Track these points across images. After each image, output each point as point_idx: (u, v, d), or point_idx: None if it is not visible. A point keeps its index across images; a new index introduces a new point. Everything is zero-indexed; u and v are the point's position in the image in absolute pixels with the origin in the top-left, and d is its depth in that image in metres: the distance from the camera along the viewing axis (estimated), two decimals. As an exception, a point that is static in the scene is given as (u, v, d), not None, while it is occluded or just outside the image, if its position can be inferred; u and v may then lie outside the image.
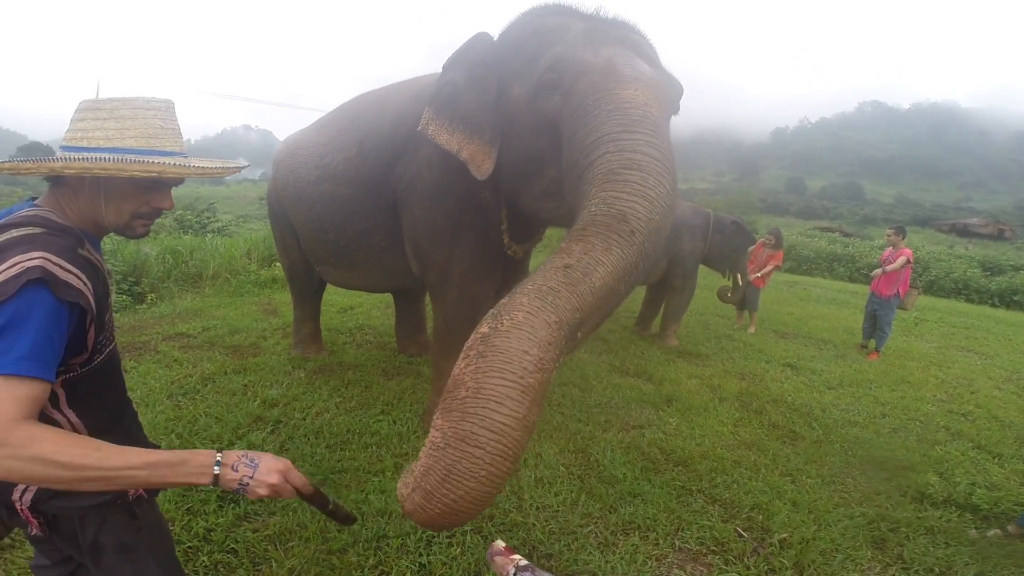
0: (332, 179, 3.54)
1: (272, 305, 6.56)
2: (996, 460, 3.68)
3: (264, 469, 1.04)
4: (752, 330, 6.86)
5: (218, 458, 1.00)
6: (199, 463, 0.99)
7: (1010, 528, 2.75)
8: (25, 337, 0.92)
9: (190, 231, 11.75)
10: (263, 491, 1.03)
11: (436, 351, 3.32)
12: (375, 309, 6.39)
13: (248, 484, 1.02)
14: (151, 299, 6.51)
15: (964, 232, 51.89)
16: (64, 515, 1.15)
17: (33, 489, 1.09)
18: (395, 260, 3.46)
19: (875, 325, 6.48)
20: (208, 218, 14.21)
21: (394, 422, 3.41)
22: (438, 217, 3.08)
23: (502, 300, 1.56)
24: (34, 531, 1.14)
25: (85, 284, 1.03)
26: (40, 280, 0.95)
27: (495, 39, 2.76)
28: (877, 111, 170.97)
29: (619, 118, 1.97)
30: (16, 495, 1.10)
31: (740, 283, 6.55)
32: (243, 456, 1.03)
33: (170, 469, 0.97)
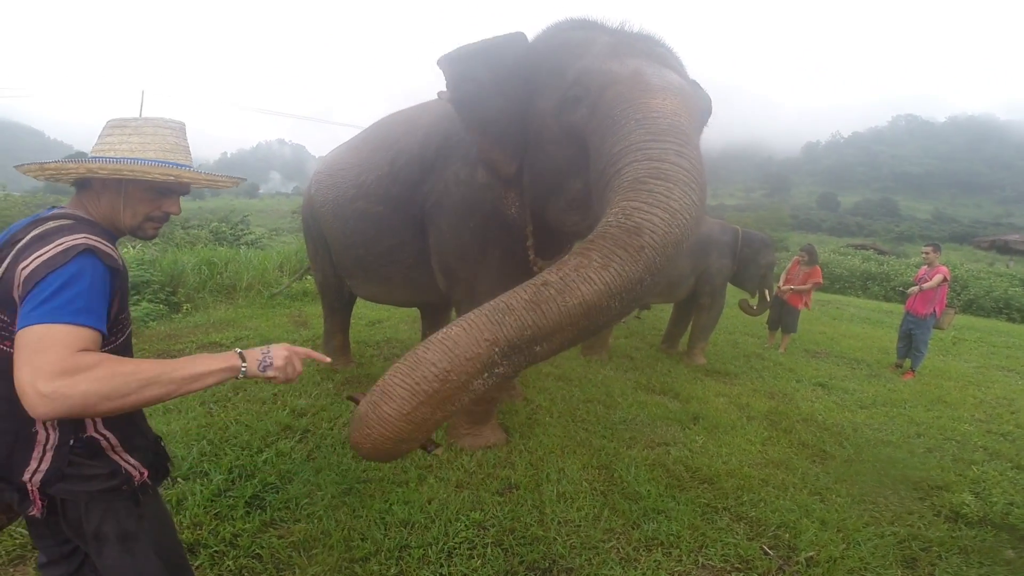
0: (366, 197, 3.60)
1: (303, 317, 6.68)
2: None
3: (275, 352, 1.24)
4: (783, 351, 6.74)
5: (239, 351, 1.22)
6: (227, 355, 1.20)
7: None
8: (82, 294, 1.09)
9: (225, 243, 12.05)
10: (279, 362, 1.23)
11: None
12: (402, 323, 6.45)
13: (267, 359, 1.23)
14: (186, 309, 6.67)
15: (1005, 249, 50.21)
16: (71, 500, 1.24)
17: (43, 470, 1.20)
18: (423, 276, 3.50)
19: (910, 345, 6.31)
20: (242, 230, 14.57)
21: (419, 436, 3.43)
22: (465, 234, 3.10)
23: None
24: (34, 511, 1.22)
25: (120, 259, 1.23)
26: (89, 249, 1.13)
27: (529, 45, 2.68)
28: (912, 125, 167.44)
29: (648, 126, 1.94)
30: (27, 475, 1.20)
31: (768, 299, 6.45)
32: (259, 349, 1.24)
33: (209, 361, 1.17)
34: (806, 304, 7.03)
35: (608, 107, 2.12)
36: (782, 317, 6.89)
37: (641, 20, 2.58)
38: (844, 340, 7.99)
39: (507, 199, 2.88)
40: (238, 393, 3.97)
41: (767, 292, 6.39)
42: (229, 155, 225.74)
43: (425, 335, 4.94)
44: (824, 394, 5.13)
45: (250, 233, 15.10)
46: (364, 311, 6.57)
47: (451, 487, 2.86)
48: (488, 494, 2.81)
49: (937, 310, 6.20)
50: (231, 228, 14.16)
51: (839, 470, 3.44)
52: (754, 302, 6.56)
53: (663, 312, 7.16)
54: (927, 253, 6.43)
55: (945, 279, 6.11)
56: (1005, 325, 13.43)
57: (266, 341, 5.32)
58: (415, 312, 5.85)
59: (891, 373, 6.23)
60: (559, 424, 3.71)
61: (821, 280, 7.15)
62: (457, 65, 2.67)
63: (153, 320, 6.06)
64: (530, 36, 2.70)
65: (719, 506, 2.89)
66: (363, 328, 6.16)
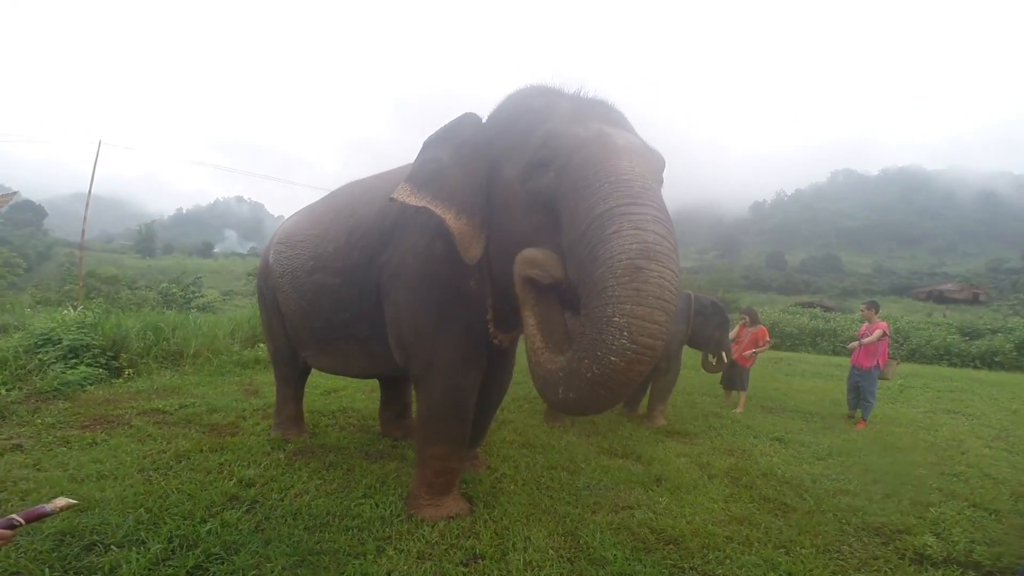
0: (324, 269, 3.57)
1: (253, 386, 6.46)
2: (993, 516, 3.65)
3: None
4: (740, 410, 6.84)
5: None
6: None
7: None
8: None
9: (174, 306, 11.69)
10: None
11: (420, 437, 3.24)
12: (360, 392, 6.29)
13: None
14: (128, 374, 6.43)
15: (940, 299, 53.01)
16: None
17: None
18: (379, 348, 3.43)
19: (859, 396, 6.52)
20: (194, 293, 14.19)
21: (377, 505, 3.30)
22: (421, 308, 3.05)
23: None
24: None
25: None
26: None
27: (483, 121, 2.79)
28: (849, 179, 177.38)
29: (623, 190, 2.04)
30: None
31: (725, 360, 6.63)
32: None
33: None
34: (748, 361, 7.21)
35: (578, 170, 2.19)
36: (733, 377, 7.05)
37: (595, 86, 2.71)
38: (797, 395, 8.17)
39: (466, 272, 2.86)
40: (180, 462, 3.81)
41: (724, 354, 6.56)
42: (184, 211, 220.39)
43: (384, 404, 4.84)
44: (782, 448, 5.19)
45: (202, 296, 14.72)
46: (319, 380, 6.40)
47: (412, 559, 2.74)
48: (452, 565, 2.70)
49: (880, 362, 6.48)
50: (182, 290, 13.77)
51: (801, 522, 3.44)
52: (714, 359, 6.70)
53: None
54: (864, 311, 6.81)
55: (884, 334, 6.42)
56: (947, 370, 13.98)
57: (213, 409, 5.25)
58: (373, 381, 5.74)
59: (844, 424, 6.37)
60: (524, 492, 3.63)
61: (768, 339, 7.37)
62: (422, 153, 2.79)
63: (91, 384, 5.81)
64: (488, 109, 2.81)
65: (686, 566, 2.84)
66: (317, 397, 5.98)
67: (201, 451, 4.03)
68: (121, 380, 6.22)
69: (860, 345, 6.47)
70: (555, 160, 2.30)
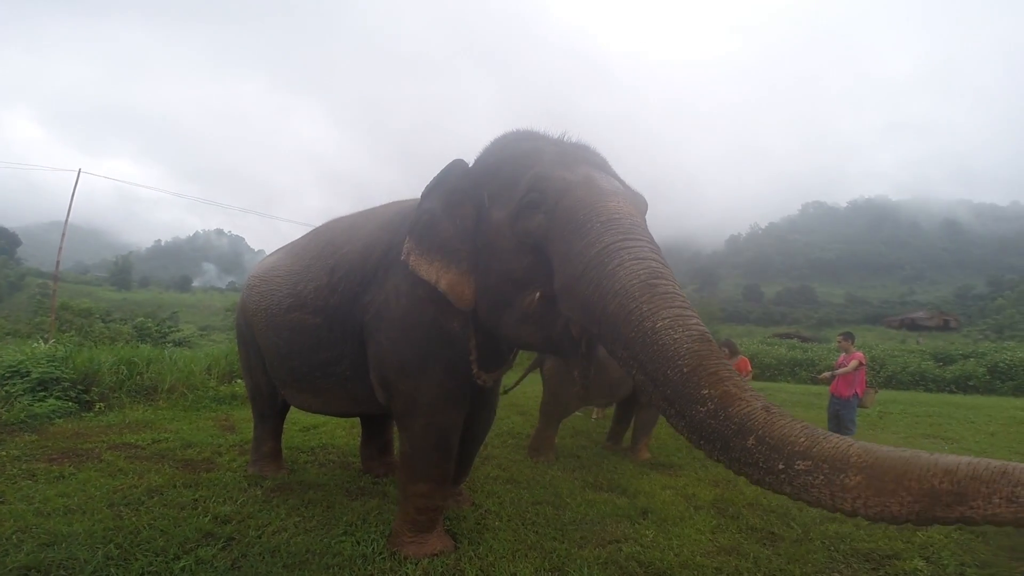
0: (302, 307, 3.51)
1: (230, 421, 6.33)
2: (980, 539, 3.64)
3: None
4: None
5: None
6: None
7: None
8: None
9: (149, 340, 11.44)
10: None
11: (403, 475, 3.18)
12: (340, 428, 6.17)
13: None
14: (99, 408, 6.29)
15: (913, 326, 54.22)
16: None
17: None
18: (361, 388, 3.38)
19: (840, 424, 6.54)
20: (170, 327, 13.92)
21: (358, 543, 3.21)
22: (405, 349, 3.03)
23: None
24: None
25: None
26: None
27: (470, 166, 2.85)
28: (819, 211, 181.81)
29: (615, 227, 2.13)
30: None
31: None
32: None
33: None
34: None
35: (568, 212, 2.28)
36: None
37: (577, 131, 2.82)
38: (780, 422, 8.17)
39: (450, 312, 2.87)
40: (152, 497, 3.71)
41: None
42: (163, 243, 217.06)
43: (365, 441, 4.75)
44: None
45: (178, 331, 14.44)
46: (298, 416, 6.23)
47: (395, 600, 2.65)
48: (436, 605, 2.62)
49: (859, 391, 6.50)
50: (157, 325, 13.50)
51: (790, 551, 3.42)
52: None
53: (609, 411, 7.18)
54: (841, 342, 6.91)
55: (861, 363, 6.46)
56: (924, 396, 14.17)
57: (188, 444, 5.14)
58: (353, 419, 5.66)
59: None
60: (509, 528, 3.56)
61: (749, 368, 7.42)
62: (420, 203, 2.84)
63: (60, 417, 5.69)
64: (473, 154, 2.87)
65: (675, 601, 2.79)
66: (296, 434, 5.86)
67: (174, 486, 3.93)
68: (92, 414, 6.09)
69: (834, 376, 6.52)
70: (544, 202, 2.38)
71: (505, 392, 4.83)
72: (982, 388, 15.72)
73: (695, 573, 3.05)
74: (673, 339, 1.86)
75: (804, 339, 31.78)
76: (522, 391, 8.89)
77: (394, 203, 3.63)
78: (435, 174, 2.88)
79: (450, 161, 2.89)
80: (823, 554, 3.39)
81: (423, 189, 2.88)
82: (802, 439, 1.64)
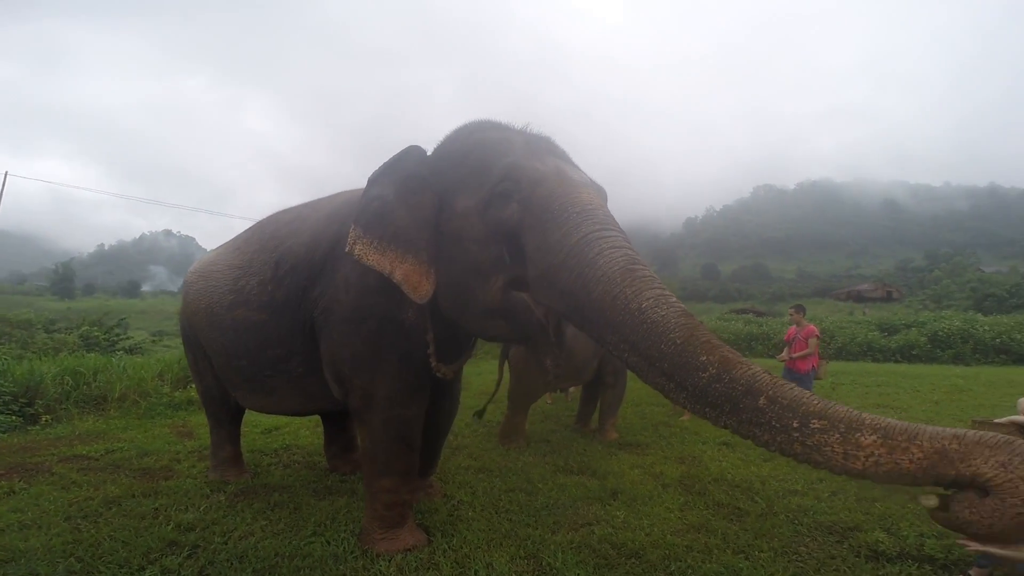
0: (246, 304, 3.39)
1: (187, 427, 6.13)
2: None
3: None
4: (687, 418, 6.96)
5: None
6: None
7: (972, 573, 2.80)
8: None
9: (97, 349, 10.95)
10: None
11: (367, 471, 3.12)
12: (303, 428, 6.03)
13: None
14: (46, 420, 6.03)
15: (859, 298, 56.53)
16: None
17: None
18: (315, 385, 3.30)
19: None
20: (118, 335, 13.34)
21: (328, 543, 3.15)
22: (357, 342, 2.96)
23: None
24: None
25: None
26: None
27: (428, 153, 2.78)
28: (770, 194, 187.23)
29: (591, 218, 2.22)
30: None
31: None
32: None
33: None
34: None
35: (543, 202, 2.32)
36: None
37: (538, 122, 2.82)
38: (739, 397, 8.37)
39: (403, 303, 2.81)
40: (111, 508, 3.58)
41: None
42: (107, 247, 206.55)
43: (328, 440, 4.65)
44: (729, 452, 5.28)
45: (128, 338, 13.86)
46: (258, 418, 6.10)
47: (370, 598, 2.61)
48: (412, 601, 2.59)
49: (814, 364, 6.70)
50: (105, 332, 12.93)
51: (756, 525, 3.49)
52: None
53: (576, 392, 7.23)
54: (792, 314, 7.07)
55: (818, 338, 6.65)
56: (872, 366, 14.74)
57: (144, 453, 4.96)
58: (316, 416, 5.56)
59: None
60: (482, 517, 3.54)
61: None
62: (367, 190, 2.75)
63: (3, 432, 5.44)
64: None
65: (649, 580, 2.82)
66: (258, 436, 5.71)
67: (133, 496, 3.81)
68: (38, 427, 5.85)
69: (791, 359, 6.63)
70: (517, 192, 2.38)
71: (478, 416, 4.82)
72: (924, 357, 16.45)
73: (666, 552, 3.09)
74: (661, 315, 1.95)
75: (759, 313, 32.76)
76: (490, 379, 8.88)
77: (340, 193, 3.53)
78: (385, 160, 2.80)
79: (405, 147, 2.81)
80: (788, 528, 3.47)
81: (370, 175, 2.78)
82: (815, 401, 1.74)
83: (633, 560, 3.02)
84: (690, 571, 2.89)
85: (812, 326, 6.77)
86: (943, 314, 22.07)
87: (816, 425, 1.67)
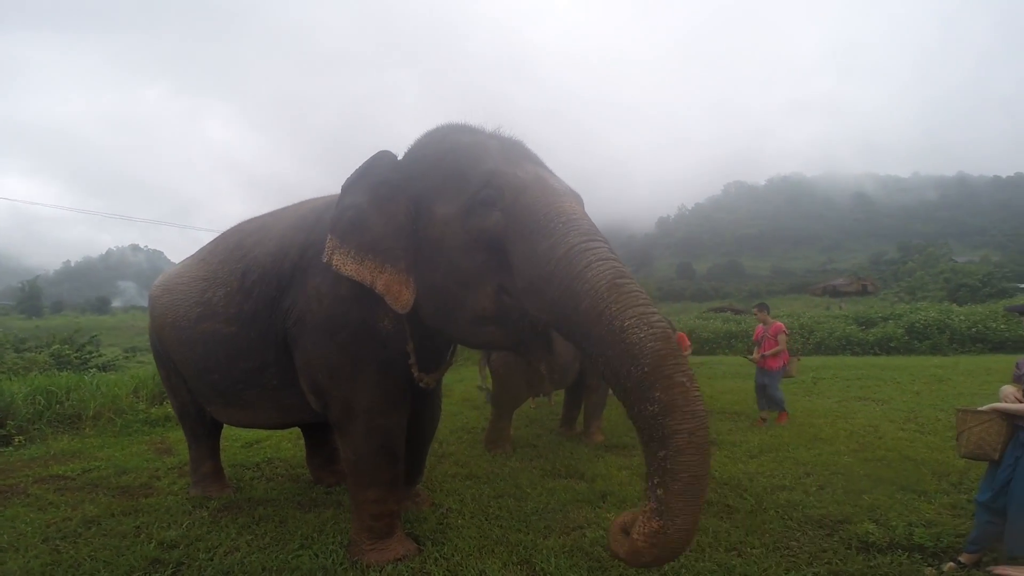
0: (214, 316, 3.31)
1: (165, 444, 6.01)
2: (922, 498, 3.82)
3: None
4: None
5: None
6: None
7: (962, 559, 2.83)
8: None
9: (69, 367, 10.67)
10: None
11: (352, 483, 3.06)
12: (284, 441, 5.92)
13: None
14: (19, 441, 5.87)
15: (834, 293, 57.51)
16: None
17: None
18: (291, 397, 3.23)
19: (767, 395, 6.58)
20: (90, 352, 13.02)
21: (317, 555, 3.09)
22: (333, 351, 2.90)
23: None
24: None
25: None
26: None
27: (399, 158, 2.73)
28: (741, 190, 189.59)
29: (576, 229, 2.23)
30: None
31: None
32: None
33: None
34: None
35: (527, 210, 2.32)
36: None
37: (508, 125, 2.79)
38: (722, 396, 8.42)
39: (379, 311, 2.77)
40: (90, 528, 3.50)
41: None
42: (73, 264, 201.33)
43: (310, 452, 4.56)
44: (716, 450, 5.29)
45: (100, 355, 13.54)
46: (237, 432, 5.96)
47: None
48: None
49: (785, 361, 6.70)
50: (76, 350, 12.62)
51: (746, 522, 3.50)
52: None
53: (557, 396, 7.20)
54: (757, 313, 7.08)
55: (786, 334, 6.64)
56: (851, 360, 14.95)
57: (122, 471, 4.84)
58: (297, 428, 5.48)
59: (769, 421, 6.53)
60: (472, 524, 3.50)
61: (688, 343, 7.56)
62: (341, 199, 2.70)
63: None
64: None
65: (644, 582, 2.80)
66: (238, 450, 5.61)
67: (113, 515, 3.73)
68: (11, 448, 5.71)
69: (762, 358, 6.65)
70: (500, 199, 2.37)
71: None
72: (902, 348, 16.71)
73: (660, 551, 3.07)
74: (639, 338, 1.98)
75: (737, 311, 33.04)
76: (471, 385, 8.83)
77: (307, 201, 3.47)
78: (357, 167, 2.75)
79: (375, 152, 2.77)
80: (778, 523, 3.48)
81: (343, 183, 2.74)
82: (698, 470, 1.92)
83: (626, 562, 3.00)
84: (684, 570, 2.88)
85: (779, 323, 6.76)
86: (918, 306, 22.45)
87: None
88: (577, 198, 2.51)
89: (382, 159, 2.75)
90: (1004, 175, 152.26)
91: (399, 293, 2.53)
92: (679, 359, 2.00)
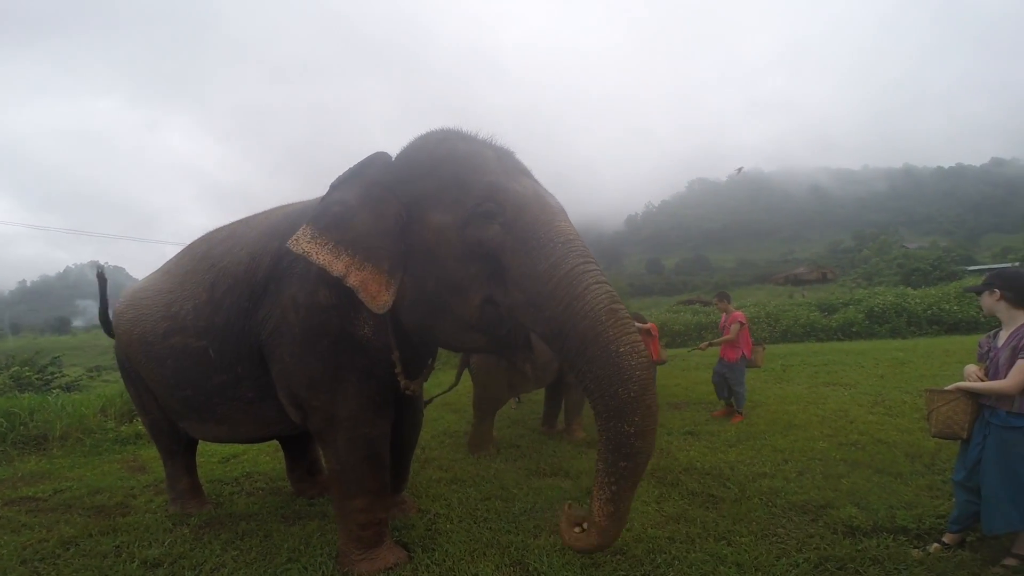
0: (183, 331, 3.22)
1: (139, 462, 5.83)
2: (899, 480, 3.92)
3: None
4: None
5: None
6: None
7: (946, 539, 2.90)
8: None
9: (30, 389, 10.28)
10: None
11: (337, 493, 3.01)
12: (262, 454, 5.78)
13: None
14: None
15: (797, 282, 58.96)
16: None
17: None
18: (269, 410, 3.18)
19: (727, 387, 6.52)
20: (52, 373, 12.57)
21: (305, 568, 3.05)
22: (312, 361, 2.84)
23: None
24: None
25: None
26: None
27: (393, 161, 2.72)
28: (704, 187, 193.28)
29: (575, 250, 2.34)
30: None
31: None
32: None
33: None
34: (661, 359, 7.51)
35: (528, 229, 2.39)
36: None
37: (479, 125, 2.82)
38: (697, 387, 8.52)
39: (359, 319, 2.75)
40: (68, 549, 3.42)
41: None
42: (29, 283, 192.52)
43: (290, 464, 4.47)
44: (695, 441, 5.39)
45: (63, 375, 13.08)
46: (213, 447, 5.84)
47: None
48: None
49: (746, 352, 6.57)
50: (38, 372, 12.18)
51: (732, 511, 3.56)
52: None
53: (538, 395, 7.22)
54: (717, 304, 7.10)
55: (742, 324, 6.54)
56: (816, 346, 15.30)
57: (96, 491, 4.71)
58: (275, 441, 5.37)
59: (746, 410, 6.59)
60: (461, 529, 3.48)
61: (656, 334, 7.55)
62: (328, 195, 2.67)
63: None
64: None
65: (637, 574, 2.85)
66: (215, 466, 5.48)
67: (90, 535, 3.63)
68: None
69: (710, 344, 6.71)
70: (501, 214, 2.41)
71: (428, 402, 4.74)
72: (863, 333, 17.18)
73: (651, 545, 3.12)
74: (631, 364, 2.17)
75: (705, 303, 33.53)
76: (455, 389, 8.77)
77: (279, 207, 3.41)
78: (350, 166, 2.73)
79: (371, 153, 2.75)
80: (763, 511, 3.55)
81: (334, 180, 2.71)
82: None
83: (618, 557, 3.03)
84: (676, 562, 2.92)
85: (738, 312, 6.73)
86: (876, 290, 23.12)
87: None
88: (566, 213, 2.61)
89: (377, 160, 2.74)
90: (946, 165, 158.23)
91: (377, 293, 2.48)
92: (653, 386, 2.26)
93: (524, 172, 2.72)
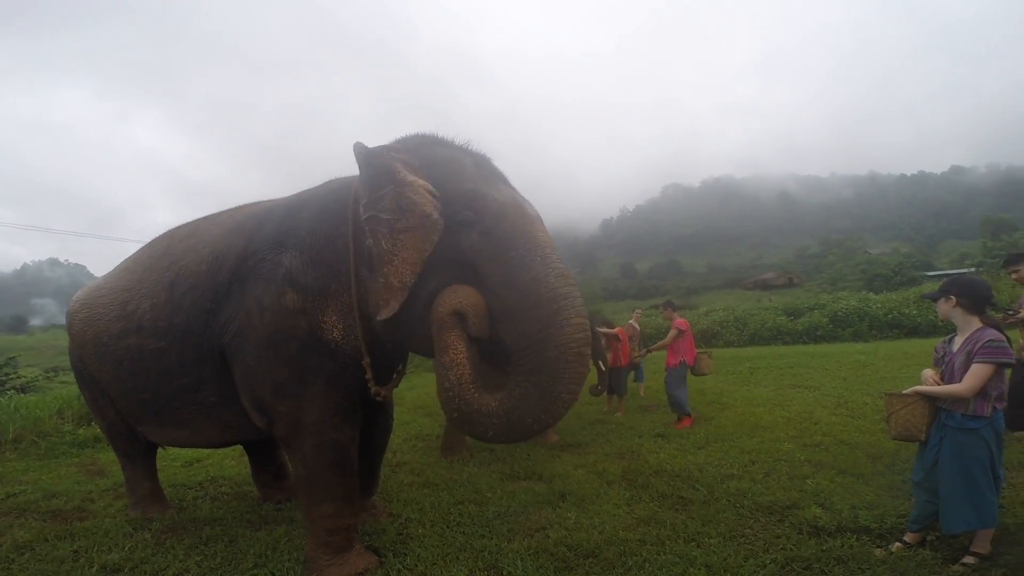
0: (139, 331, 3.13)
1: (97, 465, 5.69)
2: (861, 480, 3.99)
3: None
4: (621, 413, 7.07)
5: None
6: None
7: (907, 538, 2.96)
8: None
9: (-18, 391, 9.91)
10: None
11: (304, 500, 2.94)
12: (227, 459, 5.65)
13: None
14: None
15: (764, 286, 60.23)
16: None
17: None
18: (231, 414, 3.11)
19: (670, 392, 6.45)
20: (7, 374, 12.11)
21: (272, 573, 3.01)
22: (277, 367, 2.79)
23: None
24: None
25: None
26: None
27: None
28: (677, 192, 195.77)
29: (551, 265, 2.39)
30: None
31: (603, 369, 6.49)
32: None
33: None
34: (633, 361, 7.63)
35: (508, 239, 2.42)
36: (612, 382, 7.09)
37: (458, 128, 2.83)
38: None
39: (327, 322, 2.74)
40: (23, 554, 3.32)
41: (600, 364, 6.41)
42: None
43: (255, 469, 4.36)
44: (665, 443, 5.43)
45: (18, 376, 12.63)
46: (176, 451, 5.67)
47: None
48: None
49: (687, 359, 6.50)
50: (-10, 373, 11.75)
51: (701, 512, 3.60)
52: (593, 380, 6.29)
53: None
54: (663, 311, 7.07)
55: (680, 331, 6.54)
56: (783, 349, 15.66)
57: (52, 495, 4.59)
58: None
59: (711, 412, 6.64)
60: (434, 533, 3.45)
61: (624, 337, 7.58)
62: (377, 177, 2.60)
63: None
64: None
65: (608, 577, 2.84)
66: (178, 470, 5.37)
67: (46, 540, 3.53)
68: None
69: (648, 351, 6.89)
70: (480, 223, 2.43)
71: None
72: (827, 336, 17.65)
73: (621, 548, 3.12)
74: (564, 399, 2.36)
75: (676, 307, 34.08)
76: (426, 392, 8.73)
77: (245, 205, 3.34)
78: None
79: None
80: (731, 512, 3.58)
81: (374, 166, 2.58)
82: None
83: (591, 559, 3.03)
84: (647, 564, 2.94)
85: (681, 319, 6.68)
86: (840, 295, 23.75)
87: None
88: (542, 220, 2.63)
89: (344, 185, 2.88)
90: (908, 173, 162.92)
91: (389, 299, 2.48)
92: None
93: (501, 178, 2.74)
